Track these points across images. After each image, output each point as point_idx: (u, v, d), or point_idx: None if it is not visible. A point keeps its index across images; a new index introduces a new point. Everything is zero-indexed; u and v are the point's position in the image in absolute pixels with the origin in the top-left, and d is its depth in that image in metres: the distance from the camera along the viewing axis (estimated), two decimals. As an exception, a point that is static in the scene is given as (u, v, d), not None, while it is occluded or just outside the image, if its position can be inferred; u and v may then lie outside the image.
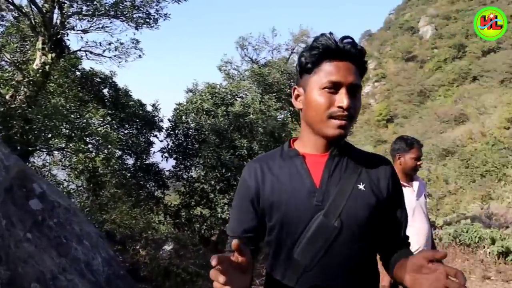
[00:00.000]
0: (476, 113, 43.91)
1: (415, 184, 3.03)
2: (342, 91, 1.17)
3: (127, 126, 9.54)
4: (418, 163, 2.98)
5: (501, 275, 6.52)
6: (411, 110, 58.66)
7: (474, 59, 61.37)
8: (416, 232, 2.85)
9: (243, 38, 15.45)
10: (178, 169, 10.06)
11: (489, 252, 7.18)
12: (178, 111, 10.20)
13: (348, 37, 1.20)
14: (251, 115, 9.75)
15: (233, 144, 9.33)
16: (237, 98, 10.89)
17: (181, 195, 9.94)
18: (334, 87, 1.17)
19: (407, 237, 1.36)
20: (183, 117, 10.12)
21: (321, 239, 1.17)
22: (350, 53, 1.18)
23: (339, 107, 1.16)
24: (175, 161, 9.96)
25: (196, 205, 9.79)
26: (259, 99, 10.66)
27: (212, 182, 9.51)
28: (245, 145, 9.19)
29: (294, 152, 1.29)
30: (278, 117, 11.30)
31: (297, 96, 1.29)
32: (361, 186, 1.22)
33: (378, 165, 1.29)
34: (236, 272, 0.94)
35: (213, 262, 0.87)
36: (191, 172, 10.18)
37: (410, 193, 2.94)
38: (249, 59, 15.23)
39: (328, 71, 1.18)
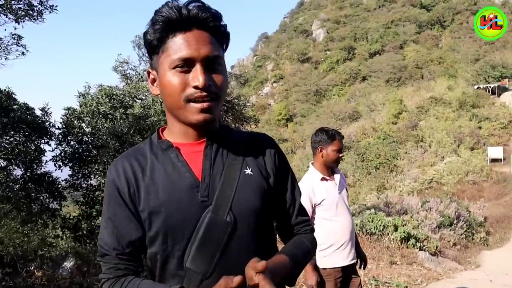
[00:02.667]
0: (367, 110, 46.93)
1: (337, 177, 2.94)
2: (197, 67, 1.00)
3: (12, 133, 8.68)
4: (340, 155, 2.89)
5: (405, 259, 7.01)
6: (309, 109, 60.99)
7: (363, 60, 65.97)
8: (341, 226, 2.85)
9: (139, 37, 14.37)
10: (75, 177, 9.50)
11: (393, 239, 7.65)
12: (68, 116, 9.60)
13: (194, 0, 1.01)
14: (153, 117, 9.39)
15: (135, 148, 8.77)
16: (137, 100, 10.44)
17: (81, 206, 9.45)
18: (186, 65, 1.00)
19: (305, 220, 1.25)
20: (75, 122, 9.56)
21: (214, 239, 1.03)
22: (199, 20, 1.00)
23: (195, 87, 0.99)
24: (70, 169, 9.42)
25: (98, 215, 9.20)
26: (160, 100, 9.87)
27: (115, 189, 8.84)
28: None
29: (166, 143, 1.10)
30: None
31: (153, 80, 1.10)
32: (248, 171, 1.09)
33: (262, 145, 1.17)
34: None
35: None
36: (91, 180, 9.67)
37: (332, 187, 2.88)
38: (147, 57, 14.11)
39: (176, 47, 1.00)
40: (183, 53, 0.99)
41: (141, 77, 12.13)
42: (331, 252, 2.75)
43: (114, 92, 9.95)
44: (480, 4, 66.95)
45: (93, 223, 9.16)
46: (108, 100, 9.58)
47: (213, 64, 1.02)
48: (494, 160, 28.66)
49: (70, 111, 9.57)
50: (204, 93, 0.99)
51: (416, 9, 73.84)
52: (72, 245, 8.48)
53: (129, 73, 12.53)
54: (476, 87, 46.18)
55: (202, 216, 1.03)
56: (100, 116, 9.32)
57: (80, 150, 9.55)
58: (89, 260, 6.61)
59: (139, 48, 14.17)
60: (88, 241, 8.81)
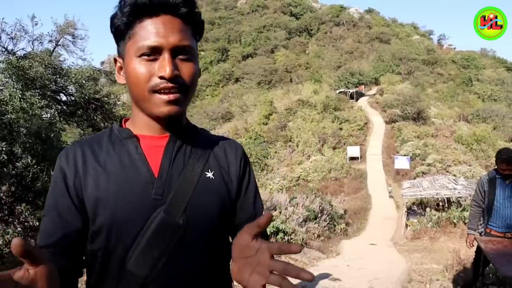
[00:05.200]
0: (239, 111, 47.46)
1: None
2: (164, 56, 0.93)
3: None
4: None
5: None
6: (182, 109, 59.58)
7: (236, 62, 66.92)
8: None
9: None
10: None
11: None
12: None
13: None
14: (10, 114, 8.56)
15: (-12, 148, 7.96)
16: (-10, 95, 9.30)
17: None
18: (154, 53, 0.93)
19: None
20: None
21: (162, 241, 0.94)
22: (170, 5, 0.94)
23: (161, 77, 0.92)
24: None
25: None
26: (19, 95, 9.26)
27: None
28: (4, 148, 8.06)
29: (126, 132, 1.03)
30: (44, 116, 10.04)
31: (120, 68, 1.03)
32: (209, 174, 1.03)
33: (228, 149, 1.11)
34: None
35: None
36: None
37: None
38: (4, 50, 12.74)
39: (143, 33, 0.93)
40: (151, 40, 0.92)
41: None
42: None
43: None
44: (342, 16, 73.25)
45: None
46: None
47: (183, 53, 0.95)
48: (352, 158, 30.90)
49: None
50: (171, 84, 0.92)
51: (287, 17, 77.81)
52: None
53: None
54: (337, 91, 50.01)
55: (154, 215, 0.94)
56: None
57: None
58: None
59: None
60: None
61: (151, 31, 0.92)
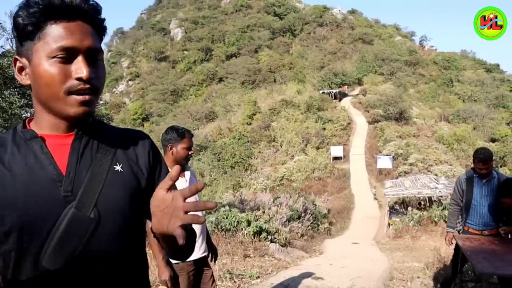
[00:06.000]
0: (223, 111, 47.34)
1: (187, 174, 2.99)
2: (79, 58, 0.97)
3: None
4: (190, 152, 3.00)
5: (258, 252, 7.39)
6: (166, 108, 59.30)
7: (220, 62, 66.68)
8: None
9: None
10: None
11: (246, 233, 7.97)
12: None
13: None
14: None
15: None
16: None
17: None
18: (67, 55, 0.96)
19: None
20: None
21: (75, 236, 0.97)
22: (81, 10, 0.97)
23: (78, 79, 0.96)
24: None
25: None
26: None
27: None
28: None
29: (31, 133, 1.03)
30: (24, 115, 9.89)
31: (21, 69, 1.02)
32: (118, 167, 1.06)
33: (136, 141, 1.14)
34: None
35: None
36: None
37: (183, 184, 2.92)
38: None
39: (57, 35, 0.95)
40: (66, 42, 0.95)
41: None
42: None
43: None
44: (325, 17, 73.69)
45: None
46: None
47: (94, 57, 1.00)
48: (335, 158, 31.14)
49: None
50: (87, 86, 0.97)
51: (270, 17, 77.86)
52: None
53: None
54: (321, 92, 50.27)
55: (64, 212, 0.97)
56: None
57: None
58: None
59: None
60: None
61: (65, 33, 0.95)
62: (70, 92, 0.96)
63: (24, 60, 1.00)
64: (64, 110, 0.99)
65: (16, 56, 1.03)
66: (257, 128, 37.19)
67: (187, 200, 0.86)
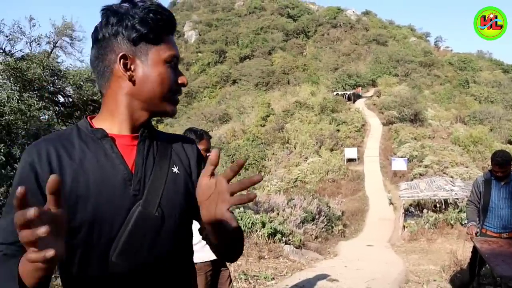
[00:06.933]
0: (237, 112, 47.39)
1: None
2: (178, 67, 1.14)
3: None
4: (208, 154, 2.73)
5: (272, 253, 7.41)
6: (180, 110, 59.43)
7: (233, 64, 66.84)
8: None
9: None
10: None
11: (261, 235, 8.01)
12: None
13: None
14: (8, 116, 8.61)
15: (-14, 149, 7.78)
16: (-14, 95, 9.21)
17: None
18: (174, 62, 1.10)
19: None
20: None
21: (142, 234, 1.02)
22: (175, 27, 1.15)
23: (181, 83, 1.13)
24: None
25: None
26: (17, 97, 9.35)
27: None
28: (2, 150, 8.14)
29: (101, 132, 1.07)
30: (42, 117, 10.12)
31: (127, 65, 1.07)
32: (175, 169, 1.13)
33: (185, 145, 1.22)
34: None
35: (31, 213, 0.67)
36: None
37: None
38: (2, 51, 12.62)
39: (169, 45, 1.10)
40: (175, 52, 1.10)
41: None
42: (201, 247, 2.53)
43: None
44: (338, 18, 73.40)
45: None
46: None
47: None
48: (350, 160, 30.95)
49: None
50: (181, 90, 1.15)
51: (284, 18, 77.89)
52: None
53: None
54: (335, 93, 50.07)
55: (132, 210, 1.02)
56: None
57: None
58: None
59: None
60: None
61: (173, 45, 1.11)
62: (174, 92, 1.11)
63: (137, 60, 1.07)
64: (163, 107, 1.10)
65: (125, 53, 1.06)
66: (271, 130, 37.18)
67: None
